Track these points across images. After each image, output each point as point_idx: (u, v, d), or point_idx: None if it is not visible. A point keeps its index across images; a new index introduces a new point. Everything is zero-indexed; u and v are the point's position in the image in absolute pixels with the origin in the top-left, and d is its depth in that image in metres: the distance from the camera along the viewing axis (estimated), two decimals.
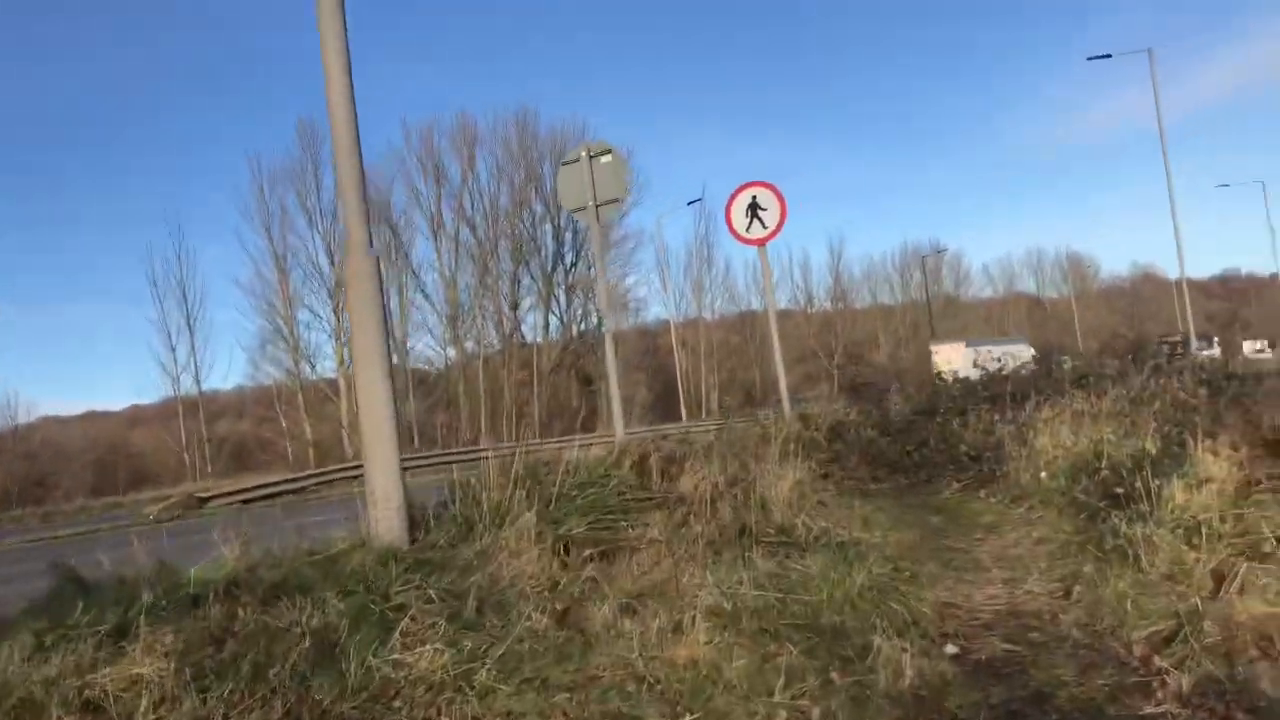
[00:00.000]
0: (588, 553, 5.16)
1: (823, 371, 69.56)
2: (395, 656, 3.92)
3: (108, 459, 56.89)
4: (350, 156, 5.26)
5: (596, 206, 7.84)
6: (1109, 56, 33.51)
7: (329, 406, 51.28)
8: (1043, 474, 6.44)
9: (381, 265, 5.47)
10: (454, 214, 53.48)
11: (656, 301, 67.31)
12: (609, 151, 7.86)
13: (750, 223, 9.92)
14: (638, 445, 6.05)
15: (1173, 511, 4.61)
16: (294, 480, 20.94)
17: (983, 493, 7.04)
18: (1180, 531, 4.43)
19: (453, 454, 28.99)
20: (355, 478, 22.47)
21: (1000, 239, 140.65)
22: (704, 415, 56.33)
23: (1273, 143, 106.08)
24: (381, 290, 5.34)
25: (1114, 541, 4.60)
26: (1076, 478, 6.07)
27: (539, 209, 56.11)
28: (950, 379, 10.63)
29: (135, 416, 62.83)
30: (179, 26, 78.03)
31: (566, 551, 5.19)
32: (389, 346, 5.38)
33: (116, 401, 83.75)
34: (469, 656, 3.94)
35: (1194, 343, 30.82)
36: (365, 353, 5.30)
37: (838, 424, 9.01)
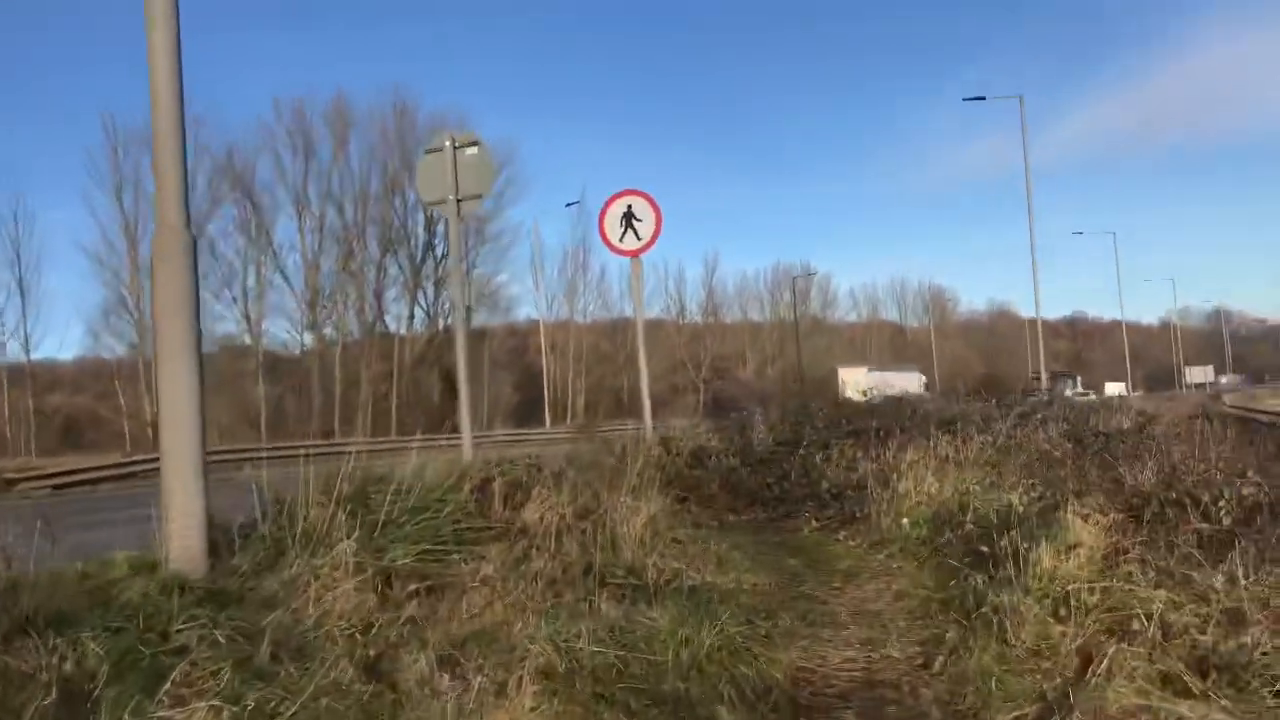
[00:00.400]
0: (412, 587, 4.60)
1: (690, 384, 70.01)
2: (161, 714, 3.30)
3: None
4: (170, 114, 4.59)
5: (457, 201, 7.25)
6: (983, 99, 34.59)
7: None
8: (905, 520, 6.18)
9: (194, 242, 4.76)
10: (321, 194, 51.48)
11: (528, 301, 66.54)
12: (476, 144, 7.28)
13: (624, 233, 9.47)
14: (481, 467, 5.49)
15: (1040, 579, 4.34)
16: (120, 465, 19.43)
17: (842, 534, 6.75)
18: (1048, 602, 4.16)
19: (301, 447, 27.71)
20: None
21: (867, 266, 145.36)
22: (569, 420, 55.86)
23: (1123, 196, 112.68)
24: (195, 272, 4.66)
25: (978, 609, 4.30)
26: (940, 529, 5.82)
27: (411, 197, 54.55)
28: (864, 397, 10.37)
29: None
30: None
31: (389, 585, 4.61)
32: (199, 337, 4.70)
33: None
34: (253, 715, 3.35)
35: (1045, 381, 31.92)
36: (171, 343, 4.62)
37: (699, 450, 8.64)
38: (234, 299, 49.86)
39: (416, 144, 54.44)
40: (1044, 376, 32.94)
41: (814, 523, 7.25)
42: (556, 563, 4.92)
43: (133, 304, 47.96)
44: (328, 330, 52.67)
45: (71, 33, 74.78)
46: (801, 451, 8.35)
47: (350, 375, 50.77)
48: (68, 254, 55.08)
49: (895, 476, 6.76)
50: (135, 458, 22.14)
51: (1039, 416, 8.91)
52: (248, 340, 51.42)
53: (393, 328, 54.80)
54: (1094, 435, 8.22)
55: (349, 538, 4.74)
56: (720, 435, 8.89)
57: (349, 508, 5.14)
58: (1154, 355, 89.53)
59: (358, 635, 4.14)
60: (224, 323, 50.15)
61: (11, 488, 16.74)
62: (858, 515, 6.88)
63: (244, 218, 49.99)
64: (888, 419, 8.95)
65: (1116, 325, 72.66)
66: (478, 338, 56.04)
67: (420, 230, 55.29)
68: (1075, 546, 4.51)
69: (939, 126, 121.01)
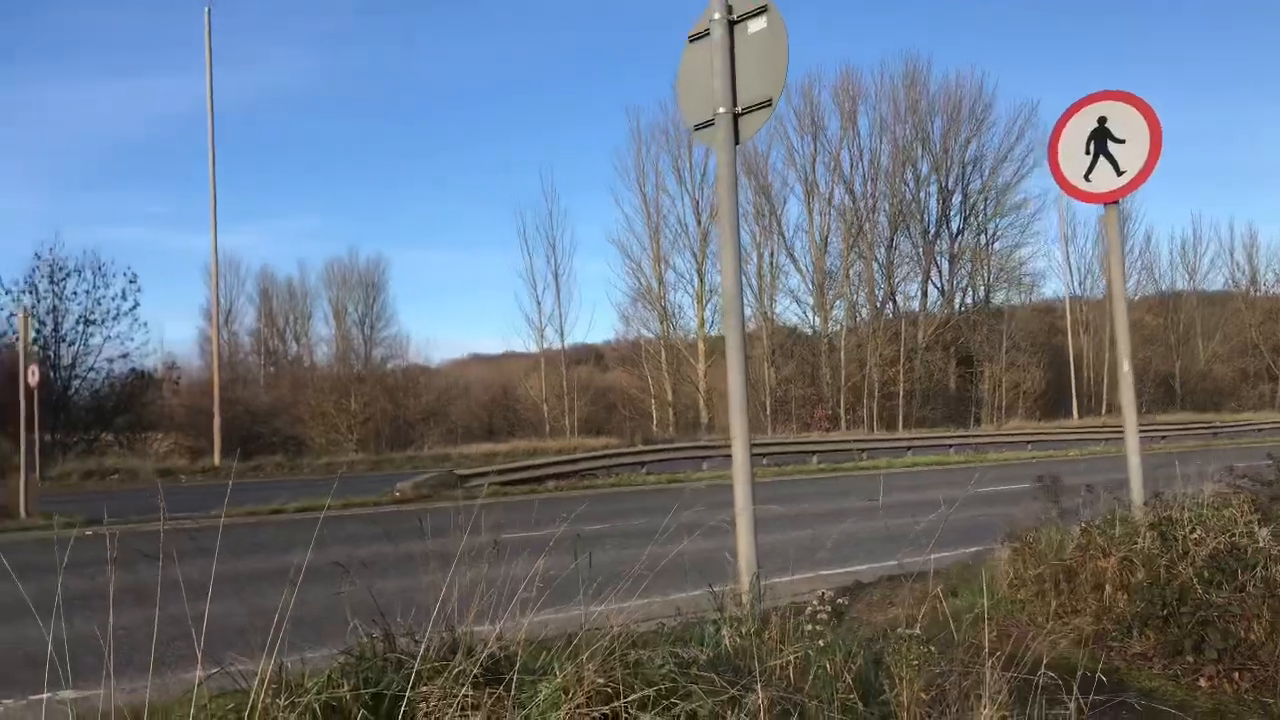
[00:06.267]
0: None
1: (1263, 370, 57.79)
2: None
3: (499, 403, 59.12)
4: None
5: (736, 115, 4.19)
6: None
7: (687, 368, 50.07)
8: None
9: None
10: (830, 173, 49.85)
11: (1054, 276, 58.97)
12: (764, 10, 4.14)
13: (1093, 163, 5.67)
14: None
15: None
16: (569, 461, 18.78)
17: None
18: None
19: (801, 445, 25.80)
20: (639, 464, 20.02)
21: None
22: (1104, 411, 48.55)
23: None
24: None
25: None
26: None
27: (924, 169, 51.09)
28: None
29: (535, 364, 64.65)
30: None
31: None
32: None
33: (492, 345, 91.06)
34: None
35: None
36: None
37: (1230, 549, 4.67)
38: (746, 282, 50.20)
39: (929, 112, 50.74)
40: None
41: None
42: None
43: (656, 291, 50.35)
44: (836, 312, 51.15)
45: (598, 34, 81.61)
46: None
47: (858, 358, 48.59)
48: (599, 244, 59.64)
49: None
50: (574, 455, 21.49)
51: None
52: (759, 325, 51.64)
53: (903, 308, 51.82)
54: None
55: None
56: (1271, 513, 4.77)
57: None
58: None
59: None
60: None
61: (463, 483, 16.57)
62: None
63: (757, 202, 50.08)
64: None
65: None
66: (995, 318, 50.81)
67: (933, 204, 51.74)
68: None
69: None
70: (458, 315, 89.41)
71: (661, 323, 50.93)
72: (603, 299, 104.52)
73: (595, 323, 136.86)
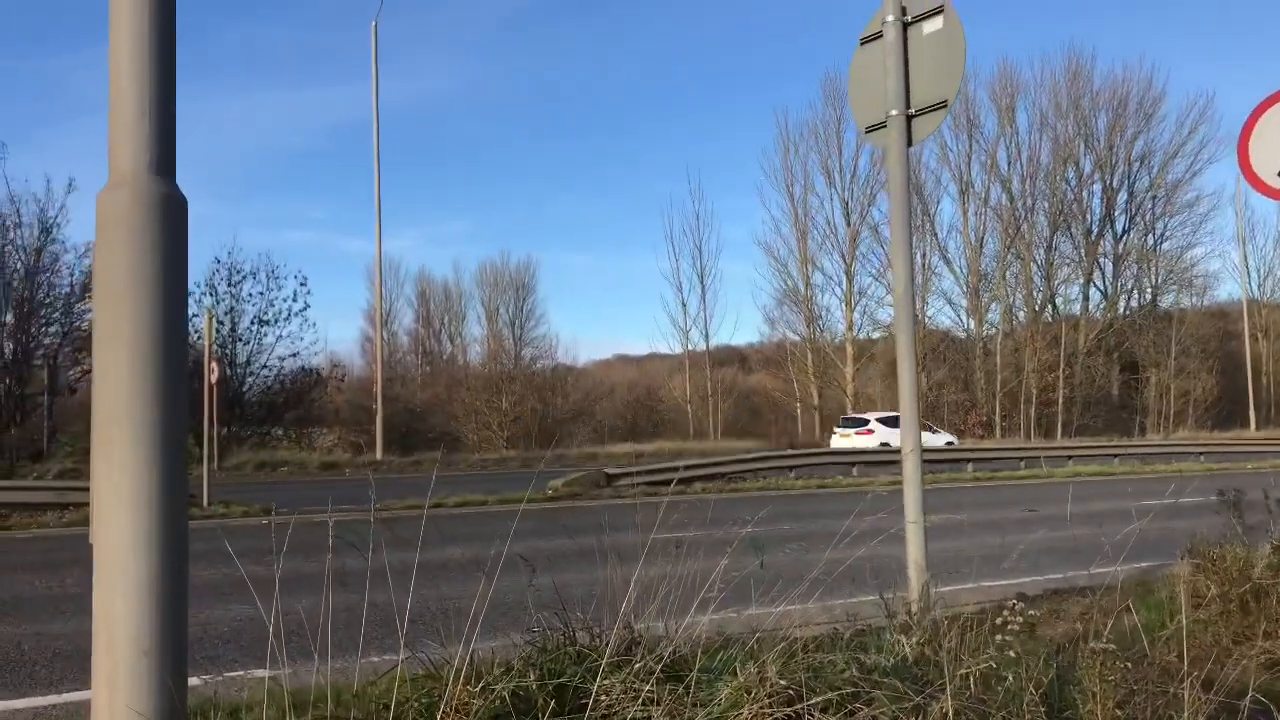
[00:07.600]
0: None
1: None
2: None
3: (644, 404, 59.37)
4: None
5: (909, 117, 4.11)
6: None
7: (834, 372, 49.38)
8: None
9: None
10: (986, 171, 48.28)
11: (1230, 277, 55.40)
12: (940, 10, 4.04)
13: None
14: None
15: None
16: (717, 464, 18.79)
17: None
18: None
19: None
20: (787, 468, 19.87)
21: None
22: None
23: None
24: None
25: None
26: None
27: (1086, 166, 48.95)
28: None
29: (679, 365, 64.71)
30: None
31: None
32: None
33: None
34: None
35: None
36: None
37: None
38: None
39: (1093, 107, 48.57)
40: None
41: None
42: None
43: (802, 293, 49.85)
44: (991, 315, 49.57)
45: (745, 34, 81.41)
46: None
47: (1014, 363, 46.93)
48: (745, 246, 59.46)
49: None
50: (727, 456, 21.43)
51: None
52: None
53: (1063, 311, 49.78)
54: None
55: None
56: None
57: None
58: None
59: None
60: (884, 309, 49.70)
61: (611, 482, 16.80)
62: None
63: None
64: None
65: None
66: (1163, 322, 48.27)
67: (1096, 202, 49.57)
68: None
69: None
70: (603, 316, 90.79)
71: (808, 325, 50.39)
72: (747, 301, 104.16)
73: (740, 325, 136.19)
